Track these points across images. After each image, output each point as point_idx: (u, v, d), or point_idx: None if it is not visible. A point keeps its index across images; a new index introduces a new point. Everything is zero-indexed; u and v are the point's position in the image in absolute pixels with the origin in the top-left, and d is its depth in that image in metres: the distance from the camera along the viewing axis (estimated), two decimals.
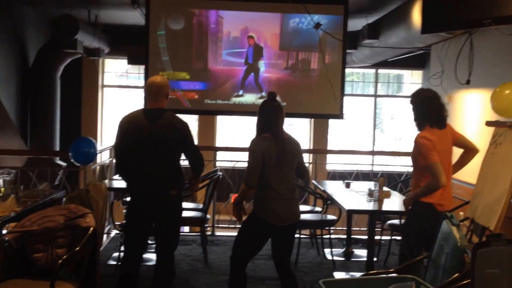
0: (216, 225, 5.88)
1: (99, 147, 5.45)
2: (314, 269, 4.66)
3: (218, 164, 6.22)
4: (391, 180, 5.99)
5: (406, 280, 2.38)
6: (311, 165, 6.59)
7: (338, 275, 4.50)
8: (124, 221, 4.18)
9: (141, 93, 8.71)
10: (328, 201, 4.87)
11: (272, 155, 3.09)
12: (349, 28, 6.25)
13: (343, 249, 5.17)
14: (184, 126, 3.29)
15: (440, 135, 3.30)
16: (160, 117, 3.25)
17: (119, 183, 4.82)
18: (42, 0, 6.92)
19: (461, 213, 4.61)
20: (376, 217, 4.53)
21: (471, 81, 5.01)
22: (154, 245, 3.67)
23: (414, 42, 5.92)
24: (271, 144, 3.10)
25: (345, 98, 6.34)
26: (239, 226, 3.38)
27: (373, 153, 9.11)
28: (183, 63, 6.24)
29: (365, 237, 5.18)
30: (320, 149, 8.63)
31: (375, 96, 9.70)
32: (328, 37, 6.01)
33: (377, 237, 4.74)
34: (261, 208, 3.14)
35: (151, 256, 4.58)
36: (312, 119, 9.07)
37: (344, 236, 5.31)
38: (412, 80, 9.61)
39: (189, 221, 4.74)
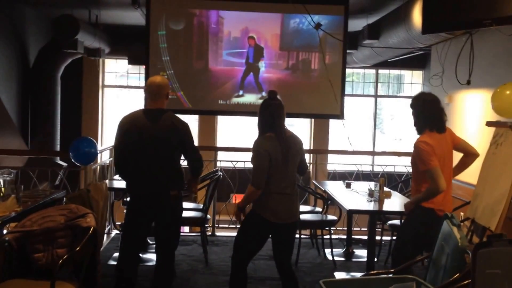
0: (216, 225, 5.88)
1: (99, 147, 5.44)
2: (314, 269, 4.66)
3: (218, 164, 6.22)
4: (392, 180, 5.99)
5: (407, 280, 2.37)
6: (311, 165, 6.59)
7: (339, 275, 4.50)
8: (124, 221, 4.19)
9: (141, 93, 8.72)
10: (329, 201, 4.87)
11: (277, 154, 3.08)
12: (349, 29, 6.25)
13: (344, 249, 5.17)
14: (184, 126, 3.29)
15: (440, 139, 3.29)
16: (160, 118, 3.24)
17: (119, 183, 4.82)
18: (43, 0, 6.92)
19: (462, 213, 4.61)
20: (377, 217, 4.53)
21: (471, 81, 5.00)
22: (154, 245, 3.67)
23: (414, 43, 5.92)
24: (275, 144, 3.09)
25: (345, 98, 6.34)
26: (239, 225, 3.37)
27: (373, 153, 9.11)
28: (184, 63, 6.24)
29: (366, 237, 5.17)
30: (320, 149, 8.63)
31: (376, 96, 9.70)
32: (328, 37, 6.01)
33: (377, 238, 4.74)
34: (260, 205, 3.14)
35: (151, 256, 4.58)
36: (313, 119, 9.07)
37: (345, 237, 5.31)
38: (413, 80, 9.61)
39: (189, 221, 4.74)
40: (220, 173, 4.99)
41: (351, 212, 4.13)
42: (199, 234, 5.08)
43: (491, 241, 2.15)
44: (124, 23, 8.02)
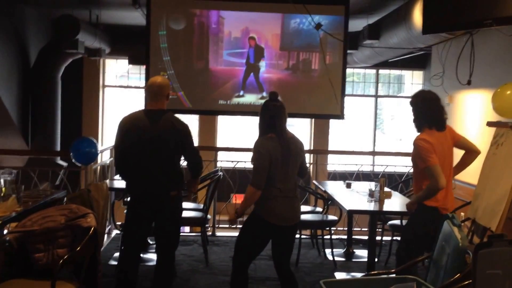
0: (216, 225, 5.88)
1: (100, 147, 5.44)
2: (315, 269, 4.66)
3: (218, 164, 6.22)
4: (392, 180, 5.99)
5: (407, 280, 2.37)
6: (312, 166, 6.59)
7: (339, 275, 4.50)
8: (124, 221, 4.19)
9: (142, 94, 8.72)
10: (329, 202, 4.87)
11: (278, 155, 3.08)
12: (350, 29, 6.25)
13: (344, 250, 5.17)
14: (184, 127, 3.29)
15: (439, 137, 3.29)
16: (160, 118, 3.24)
17: (120, 183, 4.82)
18: (44, 0, 6.93)
19: (462, 213, 4.61)
20: (377, 217, 4.53)
21: (472, 81, 5.00)
22: (154, 245, 3.67)
23: (414, 43, 5.92)
24: (276, 144, 3.09)
25: (345, 98, 6.34)
26: (240, 226, 3.37)
27: (373, 153, 9.11)
28: (184, 63, 6.24)
29: (366, 237, 5.18)
30: (321, 150, 8.63)
31: (376, 96, 9.70)
32: (329, 38, 6.01)
33: (378, 238, 4.74)
34: (262, 208, 3.13)
35: (151, 256, 4.58)
36: (313, 120, 9.07)
37: (345, 237, 5.31)
38: (413, 80, 9.61)
39: (189, 221, 4.74)
40: (220, 173, 4.99)
41: (351, 212, 4.14)
42: (199, 234, 5.08)
43: (492, 241, 2.15)
44: (125, 23, 8.03)
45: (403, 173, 6.32)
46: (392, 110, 10.42)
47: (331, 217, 4.82)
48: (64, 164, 7.03)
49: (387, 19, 6.56)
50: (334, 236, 5.29)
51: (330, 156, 8.46)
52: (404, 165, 6.20)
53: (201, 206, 4.93)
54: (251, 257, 3.27)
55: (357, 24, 7.17)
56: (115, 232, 5.57)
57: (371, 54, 7.47)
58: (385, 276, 2.71)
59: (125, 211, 4.74)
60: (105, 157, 6.34)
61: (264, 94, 6.19)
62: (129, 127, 3.25)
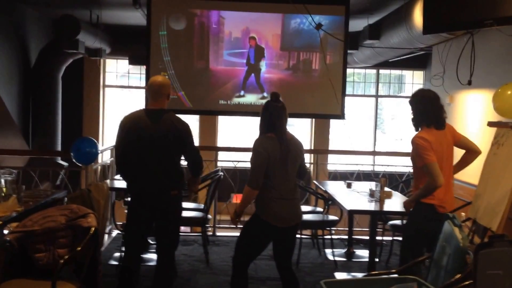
0: (217, 225, 5.88)
1: (100, 147, 5.45)
2: (315, 269, 4.66)
3: (219, 164, 6.22)
4: (393, 180, 5.98)
5: (408, 281, 2.37)
6: (312, 165, 6.59)
7: (340, 275, 4.50)
8: (125, 221, 4.19)
9: (142, 94, 8.72)
10: (330, 202, 4.87)
11: (276, 155, 3.08)
12: (350, 29, 6.25)
13: (345, 250, 5.17)
14: (185, 127, 3.29)
15: (438, 136, 3.29)
16: (160, 118, 3.24)
17: (120, 183, 4.82)
18: (44, 0, 6.93)
19: (463, 213, 4.61)
20: (378, 217, 4.53)
21: (472, 81, 5.00)
22: (154, 245, 3.67)
23: (415, 43, 5.92)
24: (275, 144, 3.09)
25: (346, 98, 6.34)
26: (241, 226, 3.37)
27: (374, 153, 9.11)
28: (185, 63, 6.24)
29: (367, 237, 5.18)
30: (321, 149, 8.63)
31: (376, 96, 9.70)
32: (329, 38, 6.01)
33: (378, 238, 4.74)
34: (263, 209, 3.13)
35: (152, 256, 4.58)
36: (313, 119, 9.07)
37: (346, 237, 5.31)
38: (414, 80, 9.61)
39: (190, 221, 4.74)
40: (221, 173, 4.99)
41: (352, 212, 4.13)
42: (200, 234, 5.08)
43: (493, 241, 2.15)
44: (125, 23, 8.03)
45: (403, 173, 6.32)
46: (393, 110, 10.42)
47: (331, 217, 4.82)
48: (65, 164, 7.03)
49: (388, 19, 6.56)
50: (334, 236, 5.29)
51: (330, 156, 8.47)
52: (405, 165, 6.20)
53: (202, 206, 4.93)
54: (251, 257, 3.27)
55: (357, 24, 7.17)
56: (116, 232, 5.57)
57: (371, 54, 7.47)
58: (386, 276, 2.71)
59: (125, 211, 4.75)
60: (105, 157, 6.34)
61: (265, 94, 6.19)
62: (129, 127, 3.25)
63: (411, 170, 3.44)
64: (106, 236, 5.25)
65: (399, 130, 10.22)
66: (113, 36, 8.32)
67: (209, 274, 4.43)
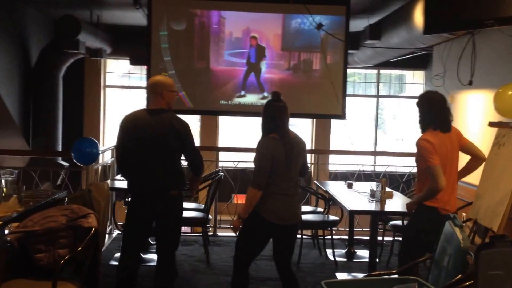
0: (218, 226, 5.88)
1: (101, 147, 5.45)
2: (316, 269, 4.65)
3: (220, 164, 6.21)
4: (393, 180, 5.98)
5: (409, 281, 2.37)
6: (313, 166, 6.59)
7: (340, 275, 4.50)
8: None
9: (143, 94, 8.73)
10: (330, 202, 4.86)
11: (280, 156, 3.08)
12: (351, 29, 6.25)
13: (345, 250, 5.16)
14: (184, 127, 3.28)
15: (444, 139, 3.28)
16: (160, 118, 3.24)
17: (121, 183, 4.82)
18: (45, 0, 6.93)
19: (464, 214, 4.60)
20: (378, 217, 4.52)
21: (473, 81, 5.00)
22: (155, 245, 3.67)
23: (416, 43, 5.91)
24: (279, 145, 3.09)
25: (347, 98, 6.33)
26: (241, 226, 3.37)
27: (375, 153, 9.11)
28: (185, 63, 6.24)
29: (367, 237, 5.17)
30: (322, 150, 8.63)
31: (377, 96, 9.70)
32: (330, 38, 6.01)
33: (379, 238, 4.74)
34: (261, 206, 3.13)
35: (152, 257, 4.58)
36: (314, 120, 9.07)
37: (346, 237, 5.30)
38: (414, 80, 9.60)
39: (191, 221, 4.74)
40: (221, 173, 4.99)
41: (352, 213, 4.13)
42: (200, 234, 5.08)
43: (494, 242, 2.14)
44: (126, 23, 8.03)
45: (404, 173, 6.31)
46: (394, 110, 10.41)
47: (332, 217, 4.82)
48: (65, 164, 7.03)
49: (388, 19, 6.56)
50: (335, 236, 5.28)
51: (331, 156, 8.46)
52: (405, 165, 6.19)
53: (202, 206, 4.93)
54: (251, 256, 3.27)
55: (358, 24, 7.17)
56: (116, 232, 5.57)
57: (372, 54, 7.47)
58: (387, 276, 2.71)
59: (126, 211, 4.75)
60: (106, 157, 6.34)
61: (265, 94, 6.19)
62: (129, 126, 3.25)
63: (412, 170, 3.44)
64: (106, 237, 5.25)
65: (400, 130, 10.22)
66: (114, 36, 8.32)
67: (209, 274, 4.42)
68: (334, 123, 9.21)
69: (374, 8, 6.64)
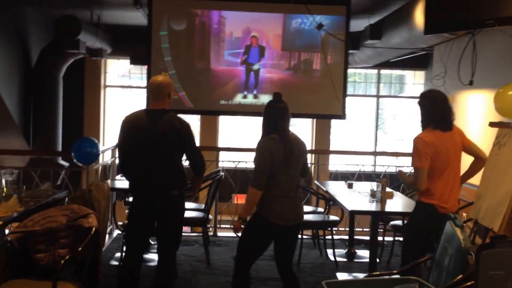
0: (218, 226, 5.88)
1: (101, 147, 5.44)
2: (316, 269, 4.65)
3: (220, 164, 6.21)
4: (394, 180, 5.97)
5: (409, 281, 2.37)
6: (313, 166, 6.59)
7: (341, 276, 4.49)
8: (127, 221, 4.18)
9: (143, 93, 8.72)
10: (331, 202, 4.86)
11: (279, 156, 3.08)
12: (351, 29, 6.24)
13: (346, 250, 5.16)
14: (185, 126, 3.28)
15: (443, 137, 3.28)
16: (161, 118, 3.24)
17: (121, 183, 4.82)
18: (45, 0, 6.93)
19: (464, 214, 4.60)
20: (379, 218, 4.52)
21: (474, 81, 4.99)
22: (155, 245, 3.66)
23: (416, 43, 5.91)
24: (279, 145, 3.09)
25: (347, 98, 6.33)
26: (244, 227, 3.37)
27: (375, 153, 9.11)
28: (185, 63, 6.24)
29: (368, 238, 5.17)
30: (322, 150, 8.63)
31: (377, 96, 9.70)
32: (330, 38, 6.01)
33: (379, 238, 4.73)
34: (264, 207, 3.13)
35: (153, 257, 4.58)
36: (314, 120, 9.06)
37: (347, 237, 5.30)
38: (415, 80, 9.60)
39: (191, 221, 4.73)
40: (222, 173, 4.99)
41: (353, 213, 4.13)
42: (200, 234, 5.07)
43: (494, 242, 2.14)
44: (126, 23, 8.03)
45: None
46: (394, 110, 10.41)
47: (332, 218, 4.81)
48: (66, 164, 7.03)
49: (389, 19, 6.56)
50: (335, 237, 5.28)
51: (331, 156, 8.46)
52: (406, 165, 6.18)
53: (203, 206, 4.93)
54: (253, 257, 3.27)
55: (358, 24, 7.16)
56: (117, 232, 5.57)
57: (372, 54, 7.46)
58: (387, 277, 2.70)
59: (126, 211, 4.74)
60: (106, 157, 6.34)
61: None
62: (130, 127, 3.25)
63: (413, 171, 3.44)
64: (107, 236, 5.25)
65: (400, 130, 10.22)
66: (114, 36, 8.32)
67: (209, 275, 4.42)
68: (334, 123, 9.21)
69: (374, 8, 6.63)
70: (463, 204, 4.29)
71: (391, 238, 5.06)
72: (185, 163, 3.49)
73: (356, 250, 5.16)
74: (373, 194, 4.32)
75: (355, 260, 4.98)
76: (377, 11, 6.74)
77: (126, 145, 3.25)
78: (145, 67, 8.11)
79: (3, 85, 6.57)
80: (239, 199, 6.24)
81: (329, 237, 5.03)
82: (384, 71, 9.64)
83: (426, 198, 3.27)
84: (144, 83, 8.99)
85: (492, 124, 4.17)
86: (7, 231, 3.55)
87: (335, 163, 7.69)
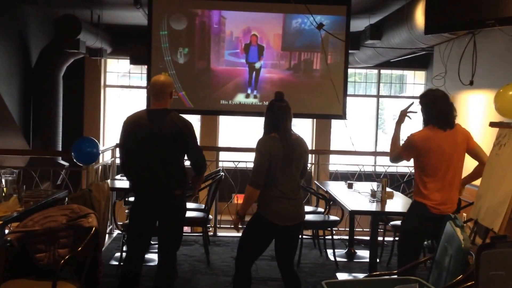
0: (218, 226, 5.87)
1: (101, 147, 5.44)
2: (316, 270, 4.65)
3: (220, 164, 6.21)
4: (394, 180, 5.97)
5: (409, 281, 2.36)
6: (313, 166, 6.58)
7: (341, 276, 4.49)
8: (127, 221, 4.18)
9: (143, 93, 8.72)
10: (331, 202, 4.86)
11: (278, 155, 3.07)
12: (351, 29, 6.24)
13: (346, 250, 5.15)
14: (187, 127, 3.28)
15: (441, 136, 3.27)
16: (163, 118, 3.24)
17: (121, 183, 4.82)
18: (45, 0, 6.93)
19: (464, 214, 4.59)
20: (379, 218, 4.52)
21: (474, 82, 4.98)
22: (156, 245, 3.66)
23: (416, 43, 5.91)
24: (278, 144, 3.09)
25: (347, 98, 6.33)
26: (241, 227, 3.37)
27: (375, 153, 9.10)
28: (185, 63, 6.24)
29: (368, 238, 5.17)
30: (322, 150, 8.62)
31: (378, 96, 9.69)
32: (330, 38, 6.00)
33: (379, 238, 4.73)
34: (265, 207, 3.13)
35: (153, 257, 4.58)
36: (315, 120, 9.06)
37: (347, 237, 5.30)
38: (415, 80, 9.60)
39: (191, 221, 4.73)
40: (222, 173, 4.98)
41: (353, 213, 4.12)
42: (200, 234, 5.07)
43: (495, 242, 2.14)
44: (126, 23, 8.03)
45: (405, 173, 6.30)
46: (394, 110, 10.39)
47: (332, 218, 4.81)
48: (66, 164, 7.03)
49: (389, 19, 6.55)
50: (335, 237, 5.28)
51: (331, 156, 8.45)
52: (406, 165, 6.18)
53: (203, 206, 4.93)
54: (253, 256, 3.27)
55: (359, 24, 7.16)
56: (116, 232, 5.57)
57: (373, 54, 7.46)
58: (387, 277, 2.70)
59: (126, 211, 4.74)
60: (106, 157, 6.33)
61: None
62: (132, 127, 3.25)
63: (413, 171, 3.44)
64: (106, 236, 5.25)
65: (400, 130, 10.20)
66: (114, 36, 8.32)
67: (209, 275, 4.42)
68: (335, 123, 9.21)
69: (374, 8, 6.63)
70: (463, 204, 4.29)
71: (391, 238, 5.06)
72: (186, 162, 3.49)
73: (356, 250, 5.16)
74: (373, 194, 4.32)
75: (355, 260, 4.98)
76: (378, 11, 6.74)
77: (128, 145, 3.25)
78: (145, 67, 8.10)
79: (3, 85, 6.57)
80: (239, 199, 6.23)
81: (329, 237, 5.03)
82: (384, 71, 9.64)
83: (418, 197, 3.29)
84: (144, 83, 8.99)
85: (492, 124, 4.17)
86: (7, 231, 3.55)
87: (335, 163, 7.69)
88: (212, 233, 5.72)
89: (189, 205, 4.98)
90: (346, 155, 7.37)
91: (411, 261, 2.98)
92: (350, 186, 4.83)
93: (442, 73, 5.66)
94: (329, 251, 4.99)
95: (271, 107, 3.17)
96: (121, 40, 8.40)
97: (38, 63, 7.41)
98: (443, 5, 4.38)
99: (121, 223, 4.66)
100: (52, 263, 2.97)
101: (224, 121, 9.47)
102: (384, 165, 6.43)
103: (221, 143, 9.25)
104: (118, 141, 3.40)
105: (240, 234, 3.34)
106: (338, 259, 4.84)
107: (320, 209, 5.25)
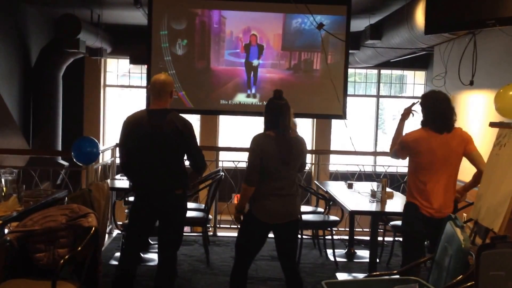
0: (218, 226, 5.87)
1: (101, 147, 5.44)
2: (316, 270, 4.65)
3: (220, 164, 6.21)
4: (394, 181, 5.97)
5: (409, 281, 2.36)
6: (313, 166, 6.58)
7: (341, 276, 4.49)
8: (126, 221, 4.18)
9: (143, 93, 8.72)
10: (331, 202, 4.86)
11: (271, 152, 3.07)
12: (351, 29, 6.24)
13: (346, 250, 5.15)
14: (187, 126, 3.27)
15: (434, 139, 3.26)
16: (163, 118, 3.23)
17: (121, 183, 4.82)
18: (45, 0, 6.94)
19: (464, 214, 4.59)
20: (379, 218, 4.52)
21: (474, 82, 4.98)
22: (156, 245, 3.66)
23: (417, 43, 5.90)
24: (271, 142, 3.08)
25: (347, 98, 6.32)
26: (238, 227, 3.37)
27: (375, 153, 9.10)
28: (186, 63, 6.24)
29: (368, 238, 5.17)
30: (322, 150, 8.62)
31: (378, 96, 9.69)
32: (330, 38, 6.00)
33: (379, 238, 4.73)
34: (254, 205, 3.14)
35: (153, 256, 4.58)
36: (315, 120, 9.06)
37: (347, 237, 5.30)
38: (415, 81, 9.60)
39: (191, 221, 4.73)
40: (221, 173, 4.98)
41: (353, 213, 4.12)
42: (200, 234, 5.07)
43: (495, 243, 2.14)
44: (126, 22, 8.03)
45: (405, 174, 6.28)
46: (394, 110, 10.39)
47: (332, 218, 4.81)
48: (65, 163, 7.03)
49: (389, 19, 6.55)
50: (335, 237, 5.28)
51: (331, 156, 8.45)
52: (406, 166, 6.17)
53: (203, 206, 4.92)
54: (248, 256, 3.26)
55: (359, 24, 7.16)
56: (116, 232, 5.57)
57: (373, 54, 7.46)
58: (387, 277, 2.70)
59: (126, 211, 4.74)
60: (106, 156, 6.33)
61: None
62: (132, 127, 3.24)
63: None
64: (106, 236, 5.25)
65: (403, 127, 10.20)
66: (114, 36, 8.32)
67: (209, 275, 4.42)
68: (335, 123, 9.21)
69: (375, 8, 6.63)
70: (463, 204, 4.28)
71: (391, 238, 5.06)
72: (186, 163, 3.48)
73: (356, 250, 5.16)
74: (373, 194, 4.32)
75: (355, 260, 4.98)
76: (378, 11, 6.74)
77: (128, 145, 3.25)
78: (145, 67, 8.11)
79: (3, 85, 6.57)
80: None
81: (329, 237, 5.02)
82: (384, 71, 9.64)
83: (409, 197, 3.34)
84: (144, 82, 8.98)
85: (492, 124, 4.16)
86: (6, 231, 3.55)
87: (335, 163, 7.69)
88: (212, 233, 5.72)
89: (189, 205, 4.97)
90: (346, 155, 7.36)
91: (413, 262, 2.98)
92: (350, 186, 4.83)
93: (442, 73, 5.66)
94: (329, 251, 4.99)
95: (269, 105, 3.17)
96: (121, 39, 8.40)
97: (38, 63, 7.41)
98: (443, 5, 4.38)
99: (121, 223, 4.66)
100: (51, 263, 2.97)
101: (224, 121, 9.47)
102: (384, 165, 6.43)
103: (221, 143, 9.25)
104: (118, 141, 3.40)
105: None
106: (338, 259, 4.84)
107: (320, 209, 5.25)
